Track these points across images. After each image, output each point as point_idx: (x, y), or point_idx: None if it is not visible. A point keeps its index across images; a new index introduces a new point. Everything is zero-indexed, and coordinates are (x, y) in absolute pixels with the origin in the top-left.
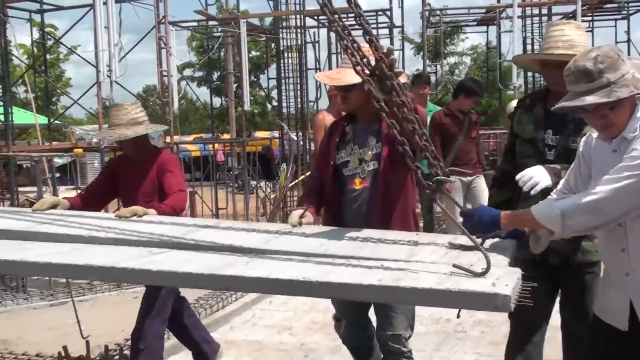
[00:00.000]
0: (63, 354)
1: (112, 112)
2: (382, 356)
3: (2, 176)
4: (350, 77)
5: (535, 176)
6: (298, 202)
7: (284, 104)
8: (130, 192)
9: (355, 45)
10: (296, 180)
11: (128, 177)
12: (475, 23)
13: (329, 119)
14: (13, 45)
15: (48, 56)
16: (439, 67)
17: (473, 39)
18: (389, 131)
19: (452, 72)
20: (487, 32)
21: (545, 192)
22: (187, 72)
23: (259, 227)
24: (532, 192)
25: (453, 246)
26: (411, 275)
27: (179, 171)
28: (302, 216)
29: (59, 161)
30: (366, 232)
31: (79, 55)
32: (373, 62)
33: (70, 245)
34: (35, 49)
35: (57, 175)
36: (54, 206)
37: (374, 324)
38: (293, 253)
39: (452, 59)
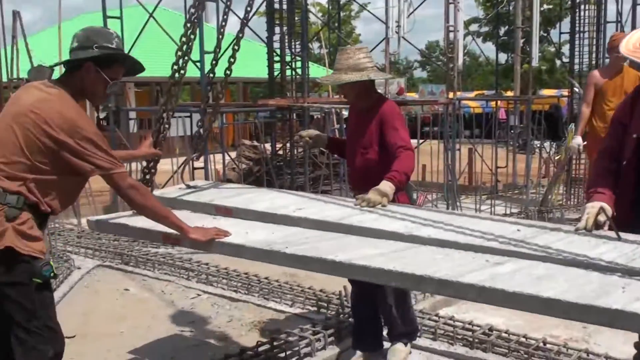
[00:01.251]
0: (344, 293)
1: (337, 55)
2: None
3: (296, 125)
4: None
5: None
6: (588, 184)
7: (576, 61)
8: (351, 142)
9: None
10: (584, 143)
11: (352, 126)
12: None
13: (600, 79)
14: (310, 3)
15: (341, 13)
16: None
17: None
18: None
19: None
20: None
21: None
22: (473, 27)
23: (603, 234)
24: None
25: None
26: None
27: (402, 126)
28: (598, 214)
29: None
30: None
31: (370, 12)
32: None
33: (389, 245)
34: (329, 7)
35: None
36: (314, 138)
37: None
38: None
39: None
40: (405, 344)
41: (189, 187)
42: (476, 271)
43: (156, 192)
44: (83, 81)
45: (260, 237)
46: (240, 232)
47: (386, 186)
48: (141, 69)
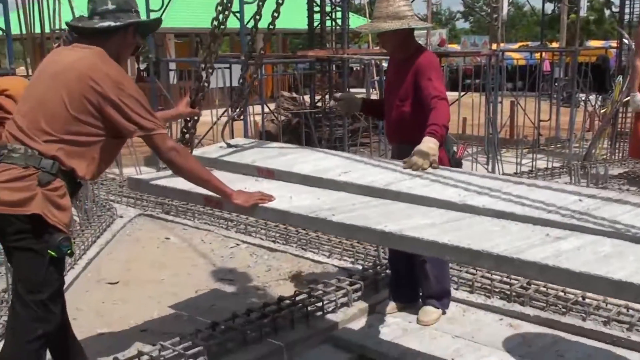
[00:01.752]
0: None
1: (377, 3)
2: None
3: (336, 77)
4: None
5: None
6: None
7: (627, 10)
8: (389, 94)
9: None
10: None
11: (389, 78)
12: None
13: None
14: None
15: None
16: None
17: None
18: None
19: None
20: None
21: None
22: None
23: None
24: None
25: None
26: None
27: (437, 77)
28: None
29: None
30: None
31: None
32: None
33: (441, 214)
34: None
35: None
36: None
37: None
38: None
39: None
40: (437, 308)
41: (229, 145)
42: (537, 247)
43: (196, 152)
44: (122, 44)
45: (305, 203)
46: (284, 196)
47: (430, 143)
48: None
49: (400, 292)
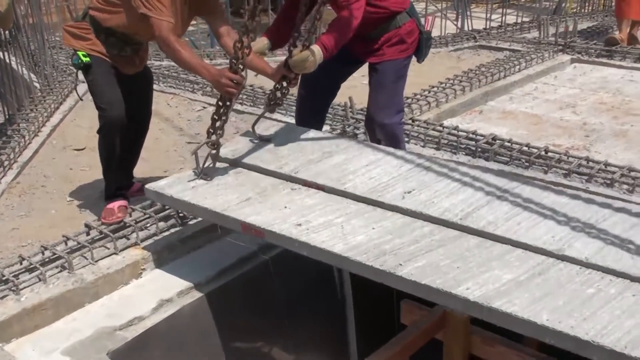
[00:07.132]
0: (349, 104)
1: None
2: None
3: None
4: None
5: None
6: None
7: None
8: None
9: None
10: None
11: None
12: None
13: None
14: None
15: None
16: None
17: None
18: None
19: None
20: None
21: None
22: None
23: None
24: None
25: None
26: None
27: None
28: None
29: None
30: None
31: None
32: None
33: (523, 260)
34: None
35: None
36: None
37: None
38: None
39: None
40: None
41: (261, 139)
42: None
43: (224, 150)
44: None
45: (360, 238)
46: (333, 223)
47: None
48: None
49: None
